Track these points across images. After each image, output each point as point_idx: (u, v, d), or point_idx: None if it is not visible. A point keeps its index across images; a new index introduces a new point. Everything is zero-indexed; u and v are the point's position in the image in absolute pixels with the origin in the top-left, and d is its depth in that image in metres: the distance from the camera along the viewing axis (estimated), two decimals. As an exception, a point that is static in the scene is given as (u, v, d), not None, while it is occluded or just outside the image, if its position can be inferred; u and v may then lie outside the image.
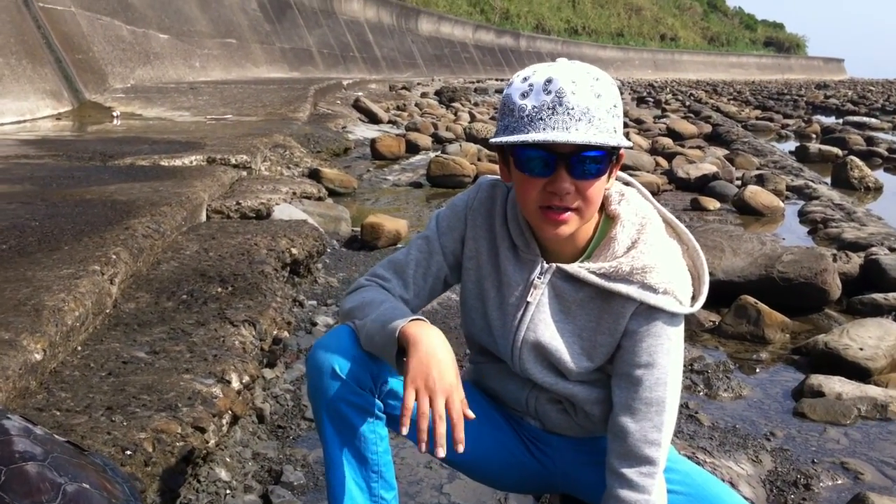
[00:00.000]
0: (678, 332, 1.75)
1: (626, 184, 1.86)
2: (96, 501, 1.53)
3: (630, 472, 1.75)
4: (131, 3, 16.68)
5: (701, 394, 3.40)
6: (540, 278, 1.79)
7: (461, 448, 1.61)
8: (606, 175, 1.67)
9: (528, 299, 1.80)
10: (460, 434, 1.61)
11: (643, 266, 1.71)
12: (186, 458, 2.11)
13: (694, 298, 1.76)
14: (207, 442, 2.19)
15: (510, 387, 1.91)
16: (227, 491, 2.40)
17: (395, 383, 1.80)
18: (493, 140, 1.65)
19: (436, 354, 1.65)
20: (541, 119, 1.58)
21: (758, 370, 3.70)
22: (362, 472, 1.80)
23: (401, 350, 1.68)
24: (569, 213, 1.67)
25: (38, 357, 2.32)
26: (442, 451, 1.59)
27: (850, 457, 2.88)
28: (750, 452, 2.87)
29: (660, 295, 1.70)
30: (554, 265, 1.78)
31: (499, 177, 1.88)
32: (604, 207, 1.78)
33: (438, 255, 1.89)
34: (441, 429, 1.60)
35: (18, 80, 10.16)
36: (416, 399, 1.61)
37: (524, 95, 1.60)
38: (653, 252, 1.73)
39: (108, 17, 15.10)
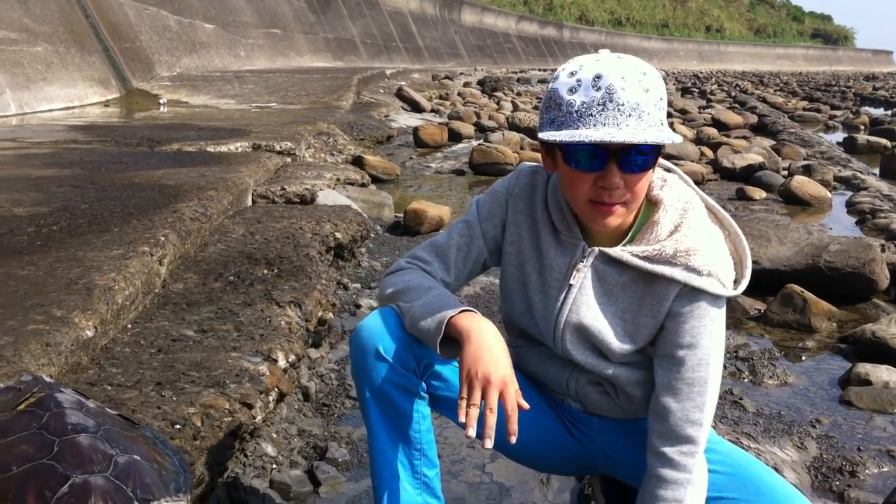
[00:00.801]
0: (721, 314, 1.76)
1: (668, 170, 1.86)
2: (146, 472, 1.56)
3: (671, 452, 1.75)
4: (178, -8, 16.86)
5: (746, 380, 3.37)
6: (583, 262, 1.80)
7: (514, 439, 1.62)
8: (653, 167, 1.68)
9: (571, 282, 1.81)
10: (514, 426, 1.63)
11: (687, 249, 1.71)
12: (234, 433, 2.14)
13: (736, 282, 1.77)
14: (255, 418, 2.22)
15: (551, 369, 1.92)
16: (274, 466, 2.44)
17: (438, 365, 1.82)
18: (543, 136, 1.65)
19: (491, 346, 1.67)
20: (591, 115, 1.59)
21: (803, 358, 3.66)
22: (405, 450, 1.83)
23: (446, 338, 1.69)
24: (617, 206, 1.68)
25: (90, 334, 2.36)
26: (489, 443, 1.60)
27: (897, 445, 2.84)
28: (795, 439, 2.85)
29: (703, 277, 1.71)
30: (597, 249, 1.79)
31: (539, 163, 1.89)
32: (646, 193, 1.78)
33: (479, 240, 1.91)
34: (491, 420, 1.61)
35: (67, 68, 10.32)
36: (469, 389, 1.62)
37: (572, 91, 1.61)
38: (696, 235, 1.73)
39: (155, 7, 15.28)
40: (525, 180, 1.90)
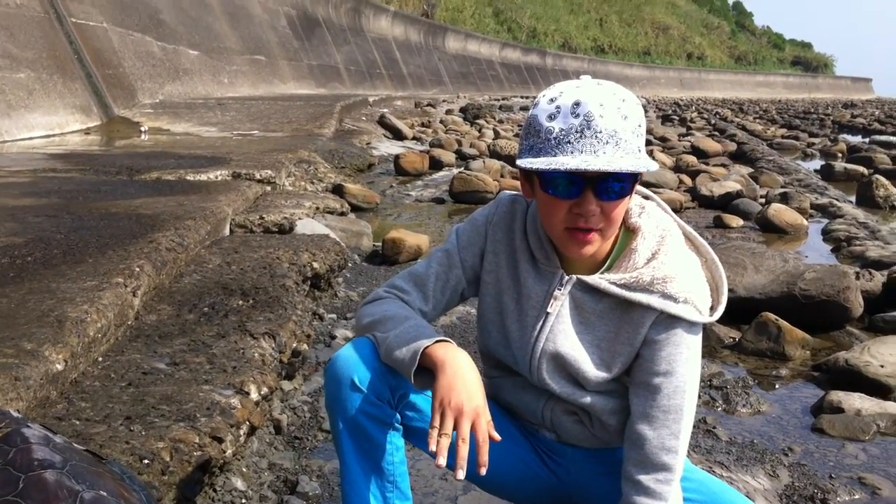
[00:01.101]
0: (697, 341, 1.78)
1: (646, 197, 1.89)
2: (112, 508, 1.55)
3: (647, 480, 1.77)
4: (163, 19, 16.89)
5: (719, 409, 3.39)
6: (560, 290, 1.82)
7: (484, 470, 1.64)
8: (629, 194, 1.71)
9: (549, 310, 1.83)
10: (485, 457, 1.65)
11: (664, 276, 1.74)
12: (203, 467, 2.14)
13: (713, 309, 1.79)
14: (225, 452, 2.22)
15: (526, 399, 1.93)
16: (243, 500, 2.43)
17: (413, 395, 1.83)
18: (521, 163, 1.67)
19: (464, 376, 1.68)
20: (569, 142, 1.61)
21: (777, 386, 3.69)
22: (378, 483, 1.83)
23: (420, 368, 1.71)
24: (593, 233, 1.71)
25: (60, 367, 2.36)
26: (461, 473, 1.62)
27: (868, 472, 2.87)
28: (767, 467, 2.87)
29: (680, 304, 1.73)
30: (574, 277, 1.81)
31: (518, 192, 1.91)
32: (623, 220, 1.81)
33: (458, 269, 1.92)
34: (463, 451, 1.63)
35: (49, 95, 10.31)
36: (441, 418, 1.64)
37: (551, 118, 1.63)
38: (673, 263, 1.76)
39: (140, 33, 15.30)
40: (504, 209, 1.92)
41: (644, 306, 1.75)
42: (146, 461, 2.01)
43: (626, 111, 1.61)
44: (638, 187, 1.82)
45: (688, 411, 1.77)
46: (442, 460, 1.62)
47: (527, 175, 1.77)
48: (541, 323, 1.84)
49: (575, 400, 1.86)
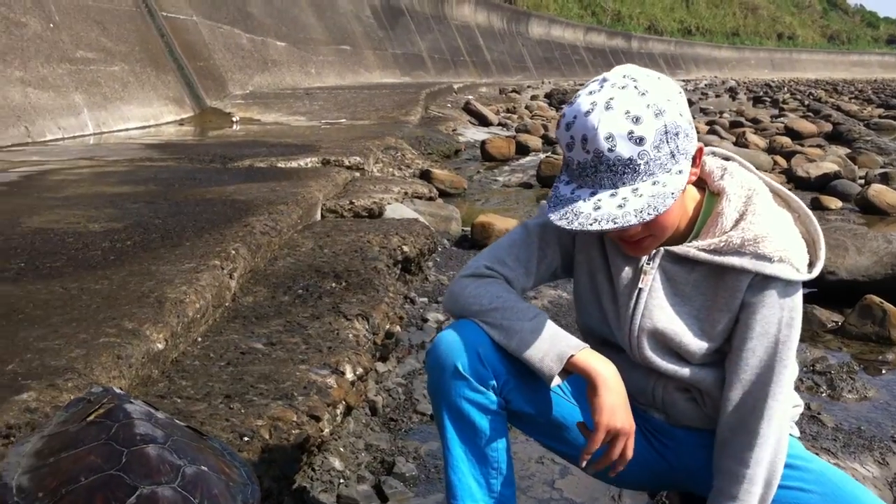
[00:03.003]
0: (795, 301, 1.71)
1: (726, 158, 1.82)
2: (214, 484, 1.55)
3: (738, 444, 1.73)
4: (251, 12, 17.17)
5: (824, 395, 3.27)
6: (649, 264, 1.76)
7: (614, 475, 1.78)
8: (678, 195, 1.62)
9: (640, 286, 1.77)
10: (622, 468, 1.74)
11: (755, 236, 1.66)
12: (301, 445, 2.14)
13: (811, 265, 1.71)
14: (322, 430, 2.21)
15: (634, 377, 1.86)
16: (341, 480, 2.43)
17: (517, 380, 1.79)
18: (549, 209, 1.65)
19: (621, 393, 1.69)
20: (587, 176, 1.59)
21: (884, 371, 3.55)
22: (482, 469, 1.80)
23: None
24: (646, 240, 1.69)
25: (160, 346, 2.39)
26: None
27: (984, 463, 2.72)
28: (876, 454, 2.75)
29: (775, 263, 1.66)
30: (662, 249, 1.75)
31: None
32: (707, 184, 1.76)
33: (555, 245, 1.88)
34: (619, 469, 1.73)
35: (143, 87, 10.57)
36: (603, 439, 1.68)
37: (569, 148, 1.60)
38: (763, 221, 1.68)
39: (229, 25, 15.57)
40: None
41: (738, 270, 1.69)
42: (246, 438, 2.02)
43: (642, 132, 1.54)
44: (717, 150, 1.79)
45: (783, 374, 1.71)
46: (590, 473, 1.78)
47: None
48: (634, 300, 1.79)
49: (682, 376, 1.80)
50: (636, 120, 1.54)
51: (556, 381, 1.70)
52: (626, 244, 1.71)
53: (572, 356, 1.69)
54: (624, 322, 1.81)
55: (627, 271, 1.80)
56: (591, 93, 1.59)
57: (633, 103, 1.55)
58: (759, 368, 1.71)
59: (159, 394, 2.24)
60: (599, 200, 1.56)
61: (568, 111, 1.61)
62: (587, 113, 1.56)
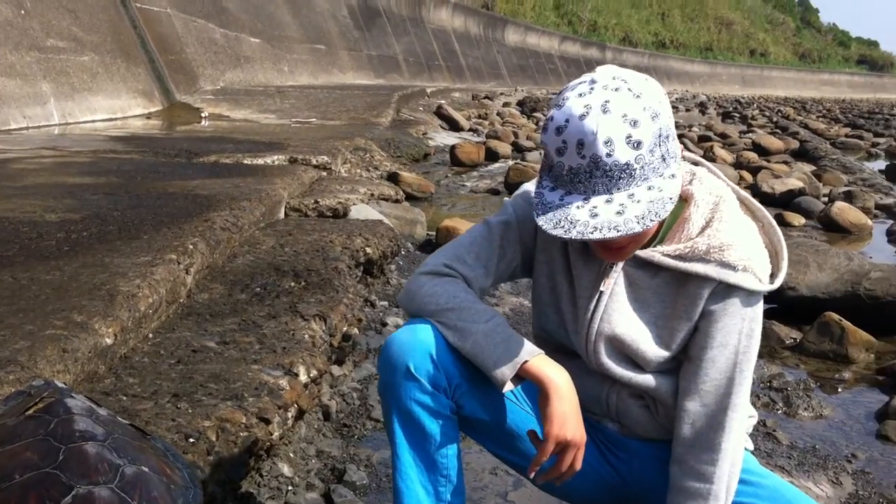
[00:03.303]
0: (756, 312, 1.69)
1: (695, 163, 1.80)
2: (154, 485, 1.51)
3: (695, 460, 1.70)
4: (226, 6, 17.03)
5: (780, 412, 3.27)
6: (612, 267, 1.73)
7: (559, 483, 1.75)
8: (676, 200, 1.60)
9: (602, 288, 1.74)
10: (569, 478, 1.71)
11: (720, 244, 1.65)
12: (249, 449, 2.09)
13: (773, 276, 1.70)
14: (272, 434, 2.17)
15: (589, 384, 1.83)
16: (289, 487, 2.38)
17: (470, 385, 1.75)
18: (537, 215, 1.58)
19: (573, 402, 1.66)
20: (580, 181, 1.53)
21: (840, 390, 3.56)
22: (431, 476, 1.75)
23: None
24: (629, 246, 1.66)
25: (109, 341, 2.33)
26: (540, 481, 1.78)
27: (939, 485, 2.73)
28: (830, 474, 2.75)
29: (739, 272, 1.65)
30: None
31: None
32: None
33: (516, 244, 1.83)
34: (566, 479, 1.70)
35: (112, 79, 10.44)
36: (552, 450, 1.65)
37: (559, 152, 1.54)
38: (729, 229, 1.66)
39: (203, 19, 15.43)
40: None
41: (701, 277, 1.67)
42: (192, 440, 1.97)
43: (640, 135, 1.50)
44: (687, 154, 1.75)
45: (743, 385, 1.70)
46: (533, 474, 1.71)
47: None
48: (594, 303, 1.76)
49: (637, 383, 1.77)
50: (634, 123, 1.50)
51: (508, 386, 1.66)
52: (608, 251, 1.66)
53: (526, 362, 1.65)
54: (582, 326, 1.78)
55: (589, 273, 1.76)
56: (581, 95, 1.54)
57: (630, 106, 1.51)
58: (718, 380, 1.69)
59: (105, 390, 2.18)
60: (595, 207, 1.52)
61: (557, 114, 1.54)
62: (582, 116, 1.51)
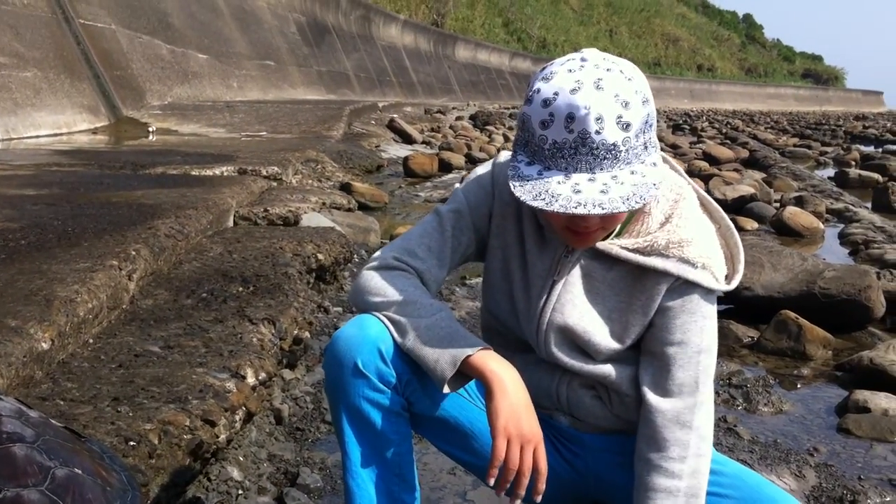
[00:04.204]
0: (712, 311, 1.66)
1: None
2: (88, 488, 1.43)
3: (659, 457, 1.65)
4: (172, 23, 16.83)
5: (740, 408, 3.24)
6: (567, 257, 1.68)
7: (539, 498, 1.56)
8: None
9: (555, 278, 1.69)
10: (543, 485, 1.56)
11: (680, 240, 1.61)
12: (195, 452, 2.00)
13: (728, 279, 1.67)
14: (218, 436, 2.08)
15: (538, 376, 1.77)
16: (240, 491, 2.29)
17: (422, 381, 1.66)
18: (514, 186, 1.52)
19: (522, 397, 1.56)
20: (562, 157, 1.48)
21: (799, 386, 3.54)
22: (383, 475, 1.67)
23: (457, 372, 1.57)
24: (597, 231, 1.60)
25: (45, 346, 2.23)
26: (519, 502, 1.55)
27: (899, 474, 2.71)
28: (793, 467, 2.72)
29: (698, 269, 1.61)
30: None
31: None
32: None
33: (469, 232, 1.77)
34: (526, 481, 1.53)
35: (56, 94, 10.23)
36: (506, 449, 1.52)
37: (544, 125, 1.48)
38: (689, 226, 1.63)
39: (149, 35, 15.23)
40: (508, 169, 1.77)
41: (659, 272, 1.63)
42: (132, 443, 1.88)
43: (630, 117, 1.47)
44: None
45: (704, 384, 1.66)
46: (503, 493, 1.54)
47: None
48: (547, 293, 1.70)
49: (588, 372, 1.72)
50: (625, 105, 1.46)
51: (447, 388, 1.56)
52: (575, 234, 1.60)
53: (468, 357, 1.55)
54: (533, 314, 1.72)
55: (543, 262, 1.71)
56: (571, 70, 1.49)
57: (623, 87, 1.47)
58: (682, 377, 1.65)
59: (41, 395, 2.08)
60: (577, 184, 1.47)
61: (545, 87, 1.49)
62: (573, 91, 1.46)
